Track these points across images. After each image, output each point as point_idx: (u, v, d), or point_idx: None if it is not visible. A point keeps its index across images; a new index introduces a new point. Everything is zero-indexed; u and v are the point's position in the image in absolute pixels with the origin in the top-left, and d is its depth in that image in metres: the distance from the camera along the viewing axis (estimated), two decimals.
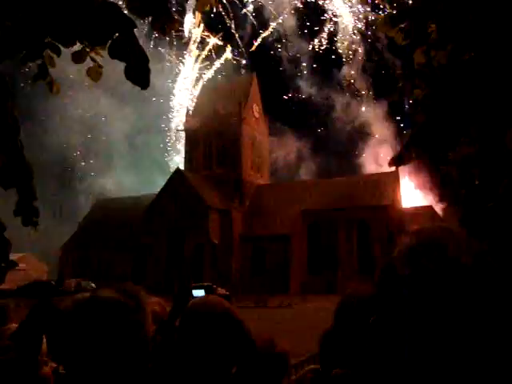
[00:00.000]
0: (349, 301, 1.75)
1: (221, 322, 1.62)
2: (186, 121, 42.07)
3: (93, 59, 2.18)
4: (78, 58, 2.09)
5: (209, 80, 44.38)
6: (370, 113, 51.27)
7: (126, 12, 1.67)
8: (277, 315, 24.11)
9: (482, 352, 0.83)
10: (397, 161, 3.20)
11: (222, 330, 1.60)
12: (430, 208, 35.05)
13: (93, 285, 32.11)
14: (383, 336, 0.93)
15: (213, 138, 39.11)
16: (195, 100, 43.27)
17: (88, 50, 2.10)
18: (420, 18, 3.51)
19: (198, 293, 2.06)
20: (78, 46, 2.15)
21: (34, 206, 1.80)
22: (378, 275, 1.02)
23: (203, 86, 43.96)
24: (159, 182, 41.85)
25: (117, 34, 1.64)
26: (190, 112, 42.07)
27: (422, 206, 36.17)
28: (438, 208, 35.81)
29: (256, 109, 41.82)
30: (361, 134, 48.84)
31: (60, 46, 2.25)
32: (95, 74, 2.18)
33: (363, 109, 51.13)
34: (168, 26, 1.78)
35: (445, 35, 3.43)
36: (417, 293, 0.90)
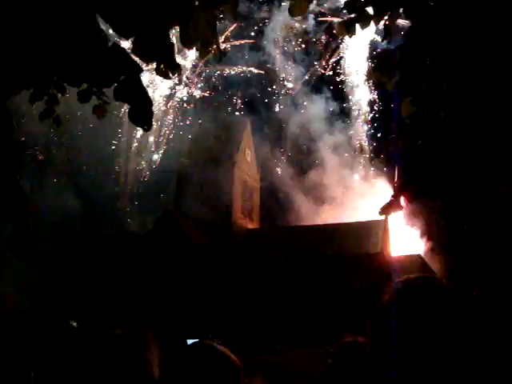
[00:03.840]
0: (346, 346, 1.79)
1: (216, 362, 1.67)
2: (178, 162, 42.10)
3: (99, 97, 2.26)
4: (84, 96, 2.18)
5: (202, 122, 44.84)
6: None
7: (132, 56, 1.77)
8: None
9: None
10: (386, 210, 3.29)
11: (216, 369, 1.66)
12: (418, 257, 35.00)
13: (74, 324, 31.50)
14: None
15: (204, 181, 39.14)
16: (188, 141, 43.60)
17: (94, 89, 2.19)
18: (409, 69, 3.65)
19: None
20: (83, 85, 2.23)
21: (31, 240, 1.82)
22: (371, 319, 1.09)
23: (197, 127, 44.38)
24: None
25: (123, 77, 1.72)
26: (182, 153, 42.25)
27: (410, 255, 36.12)
28: (427, 256, 35.88)
29: (248, 153, 42.07)
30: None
31: (65, 85, 2.33)
32: (101, 111, 2.26)
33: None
34: (172, 71, 1.87)
35: (433, 87, 3.57)
36: (405, 334, 0.97)
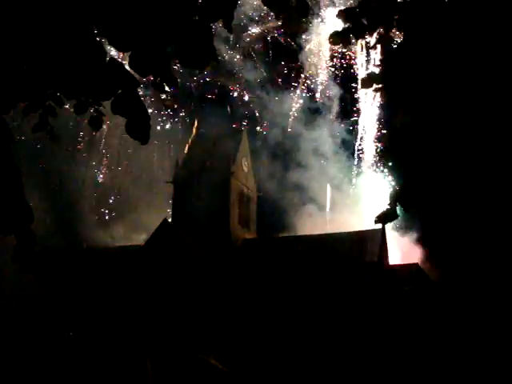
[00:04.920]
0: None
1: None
2: (175, 173, 42.10)
3: (95, 110, 2.27)
4: (80, 109, 2.18)
5: (199, 132, 44.88)
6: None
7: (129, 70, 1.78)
8: None
9: None
10: (382, 218, 3.31)
11: None
12: (416, 265, 34.99)
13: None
14: None
15: (201, 191, 39.17)
16: (185, 152, 43.60)
17: (91, 100, 2.20)
18: (401, 80, 3.69)
19: None
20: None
21: (34, 251, 1.82)
22: None
23: (193, 137, 44.43)
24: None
25: (120, 91, 1.74)
26: (180, 164, 42.24)
27: (408, 264, 36.10)
28: (427, 265, 35.91)
29: (245, 163, 42.14)
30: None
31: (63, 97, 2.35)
32: (97, 124, 2.27)
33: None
34: (168, 85, 1.89)
35: (426, 97, 3.62)
36: None
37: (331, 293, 33.64)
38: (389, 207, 3.15)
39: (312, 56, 50.08)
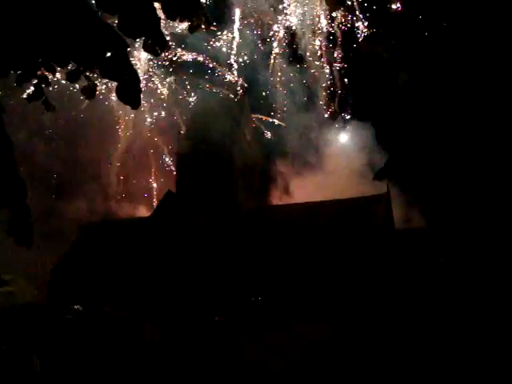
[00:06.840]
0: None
1: None
2: (178, 142, 42.03)
3: (87, 78, 2.24)
4: (72, 77, 2.15)
5: (200, 100, 44.37)
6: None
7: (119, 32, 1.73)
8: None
9: None
10: (380, 175, 3.29)
11: None
12: (422, 230, 35.03)
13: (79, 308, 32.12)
14: None
15: (204, 161, 39.13)
16: (187, 121, 43.35)
17: (82, 68, 2.16)
18: (406, 37, 3.64)
19: None
20: (73, 65, 2.20)
21: (29, 224, 1.81)
22: None
23: (195, 106, 44.06)
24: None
25: (109, 54, 1.69)
26: (182, 133, 42.11)
27: (414, 228, 36.13)
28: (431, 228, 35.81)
29: (247, 132, 41.95)
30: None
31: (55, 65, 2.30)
32: (90, 92, 2.24)
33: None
34: (159, 47, 1.84)
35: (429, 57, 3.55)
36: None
37: (337, 258, 33.84)
38: (388, 164, 3.14)
39: None
